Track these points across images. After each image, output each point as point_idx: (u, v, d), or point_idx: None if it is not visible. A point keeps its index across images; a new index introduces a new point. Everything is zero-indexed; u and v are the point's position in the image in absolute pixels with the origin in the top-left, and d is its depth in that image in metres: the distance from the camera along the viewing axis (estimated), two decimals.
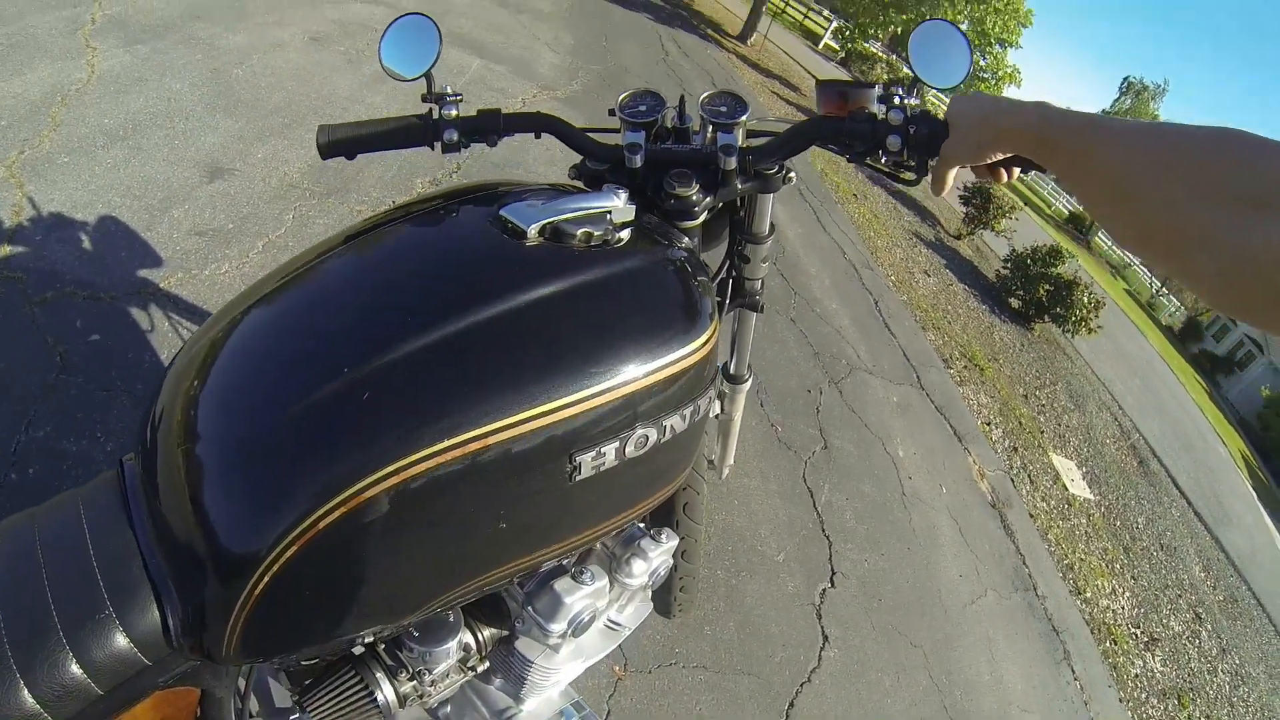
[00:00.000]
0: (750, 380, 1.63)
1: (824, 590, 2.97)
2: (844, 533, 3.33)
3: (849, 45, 19.44)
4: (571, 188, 1.03)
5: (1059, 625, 3.90)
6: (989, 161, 0.84)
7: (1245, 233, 0.50)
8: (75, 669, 0.67)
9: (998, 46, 17.15)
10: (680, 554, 1.70)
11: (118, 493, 0.79)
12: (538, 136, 1.11)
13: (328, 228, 3.23)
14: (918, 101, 0.96)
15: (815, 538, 3.20)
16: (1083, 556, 4.84)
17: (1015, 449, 5.56)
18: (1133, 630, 4.56)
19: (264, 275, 0.87)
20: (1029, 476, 5.32)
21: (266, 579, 0.69)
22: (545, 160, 4.83)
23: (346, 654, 1.02)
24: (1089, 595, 4.47)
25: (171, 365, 0.83)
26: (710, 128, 1.07)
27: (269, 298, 0.83)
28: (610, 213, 0.89)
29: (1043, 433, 6.38)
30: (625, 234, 0.90)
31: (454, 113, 1.05)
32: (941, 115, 0.90)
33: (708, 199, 1.03)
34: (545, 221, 0.85)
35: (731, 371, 1.61)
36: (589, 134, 1.10)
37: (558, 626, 1.03)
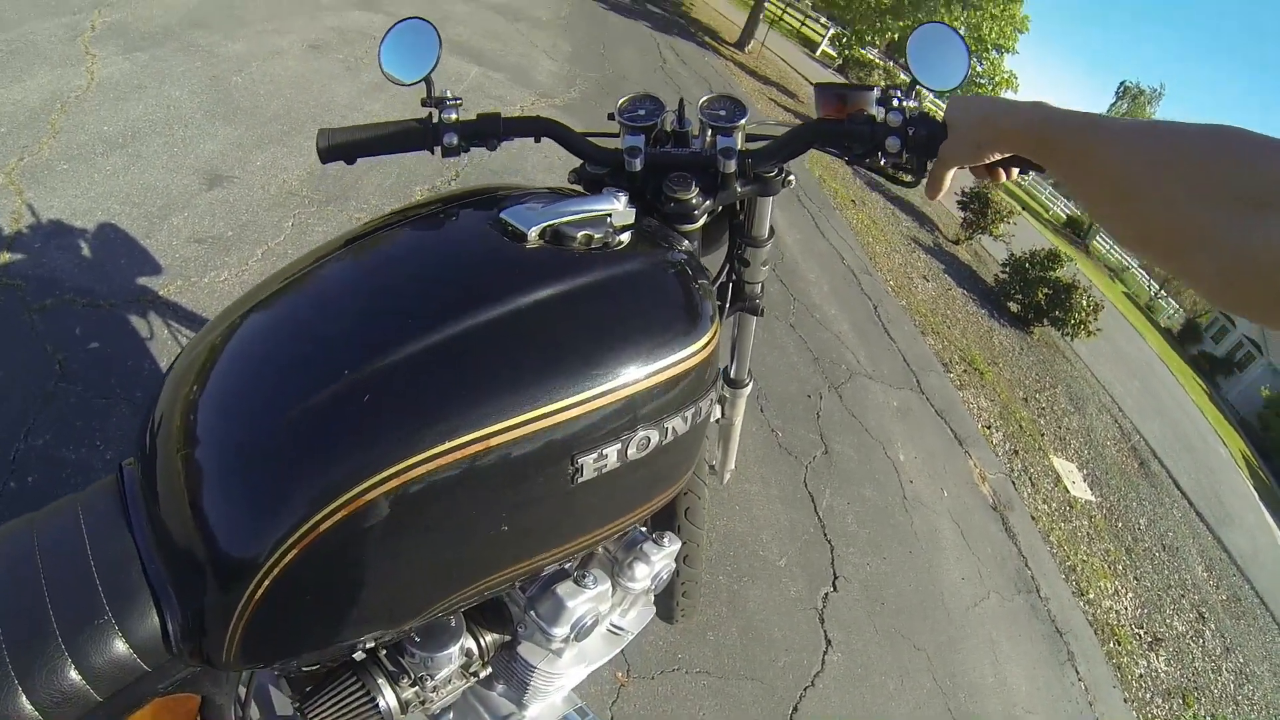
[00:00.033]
0: (751, 384, 1.63)
1: (826, 594, 2.96)
2: (845, 537, 3.33)
3: (846, 52, 19.50)
4: (571, 191, 1.03)
5: (1062, 627, 3.89)
6: (987, 162, 0.83)
7: (1245, 232, 0.50)
8: (74, 675, 0.66)
9: (994, 52, 17.20)
10: (682, 558, 1.69)
11: (117, 498, 0.78)
12: (537, 140, 1.11)
13: (327, 235, 3.22)
14: (916, 104, 0.96)
15: (817, 542, 3.20)
16: (1085, 558, 4.83)
17: (1016, 452, 5.55)
18: (1136, 631, 4.55)
19: (263, 280, 0.86)
20: (1030, 479, 5.31)
21: (267, 583, 0.68)
22: (544, 168, 4.83)
23: (348, 660, 1.01)
24: (1092, 596, 4.46)
25: (170, 370, 0.82)
26: (709, 131, 1.07)
27: (268, 302, 0.82)
28: (610, 216, 0.88)
29: (1043, 435, 6.37)
30: (625, 237, 0.90)
31: (454, 116, 1.04)
32: (940, 118, 0.90)
33: (707, 202, 1.03)
34: (545, 224, 0.85)
35: (732, 376, 1.60)
36: (588, 138, 1.10)
37: (560, 630, 1.02)
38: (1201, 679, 4.61)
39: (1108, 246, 40.03)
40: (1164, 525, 6.77)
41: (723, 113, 1.07)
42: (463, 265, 0.86)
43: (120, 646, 0.69)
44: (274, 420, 0.71)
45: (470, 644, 1.08)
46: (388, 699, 1.00)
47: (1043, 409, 7.02)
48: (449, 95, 1.05)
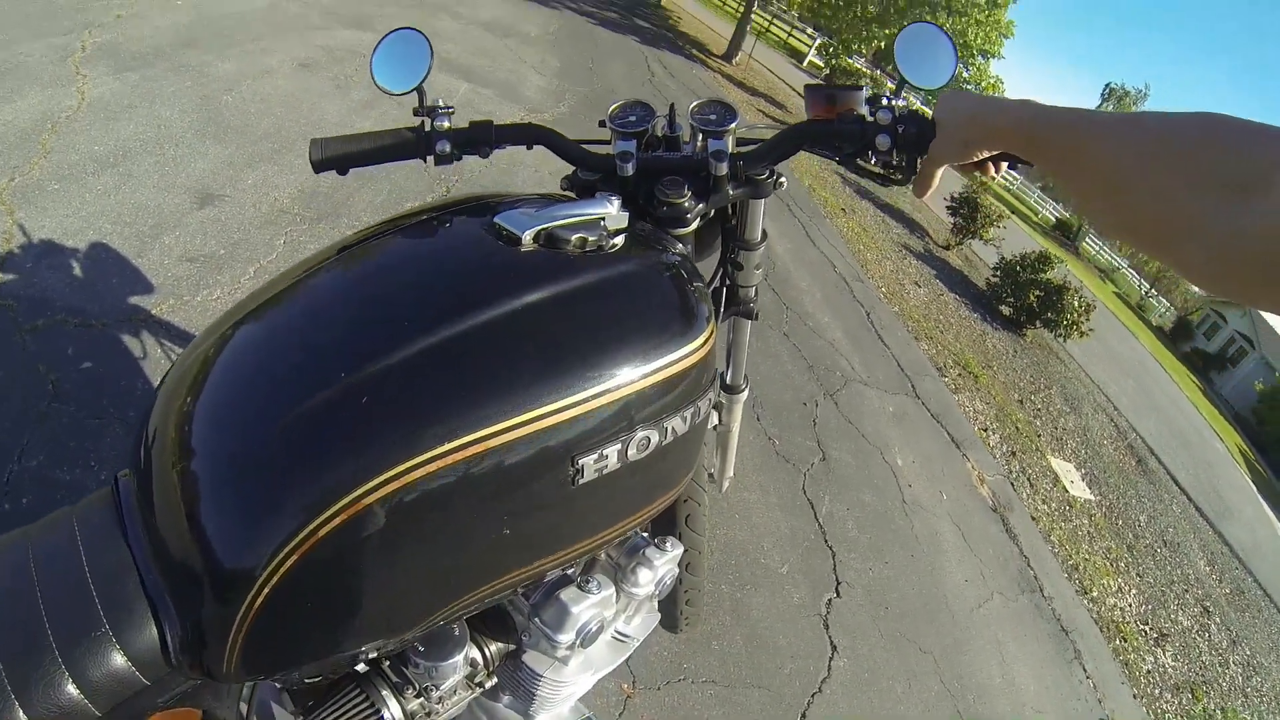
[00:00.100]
0: (747, 390, 1.62)
1: (830, 600, 2.95)
2: (847, 542, 3.32)
3: (833, 61, 19.54)
4: (564, 197, 1.02)
5: (1067, 625, 3.89)
6: (977, 159, 0.84)
7: (1233, 217, 0.51)
8: (72, 689, 0.65)
9: (980, 58, 17.27)
10: (685, 567, 1.69)
11: (113, 510, 0.77)
12: (529, 147, 1.10)
13: None
14: (905, 103, 0.96)
15: (818, 549, 3.19)
16: (1087, 556, 4.83)
17: (1013, 453, 5.56)
18: (1141, 627, 4.54)
19: (255, 289, 0.86)
20: (1028, 480, 5.32)
21: (266, 592, 0.67)
22: (534, 184, 4.83)
23: (350, 672, 1.00)
24: (1095, 594, 4.46)
25: (164, 381, 0.82)
26: (700, 136, 1.07)
27: (260, 310, 0.82)
28: (604, 220, 0.88)
29: (1040, 436, 6.38)
30: (619, 240, 0.90)
31: (446, 124, 1.04)
32: (929, 116, 0.90)
33: (700, 205, 1.02)
34: (540, 228, 0.84)
35: (728, 381, 1.59)
36: (580, 145, 1.10)
37: (566, 637, 1.01)
38: (1209, 673, 4.61)
39: (1098, 248, 40.22)
40: (1164, 521, 6.77)
41: (713, 117, 1.07)
42: (457, 269, 0.86)
43: (118, 660, 0.67)
44: (268, 427, 0.70)
45: (475, 654, 1.07)
46: (393, 710, 0.99)
47: (1038, 410, 7.03)
48: (441, 104, 1.05)
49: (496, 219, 0.85)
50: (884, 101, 0.95)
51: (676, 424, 0.86)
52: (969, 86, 17.92)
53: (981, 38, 16.22)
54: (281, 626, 0.72)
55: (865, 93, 1.00)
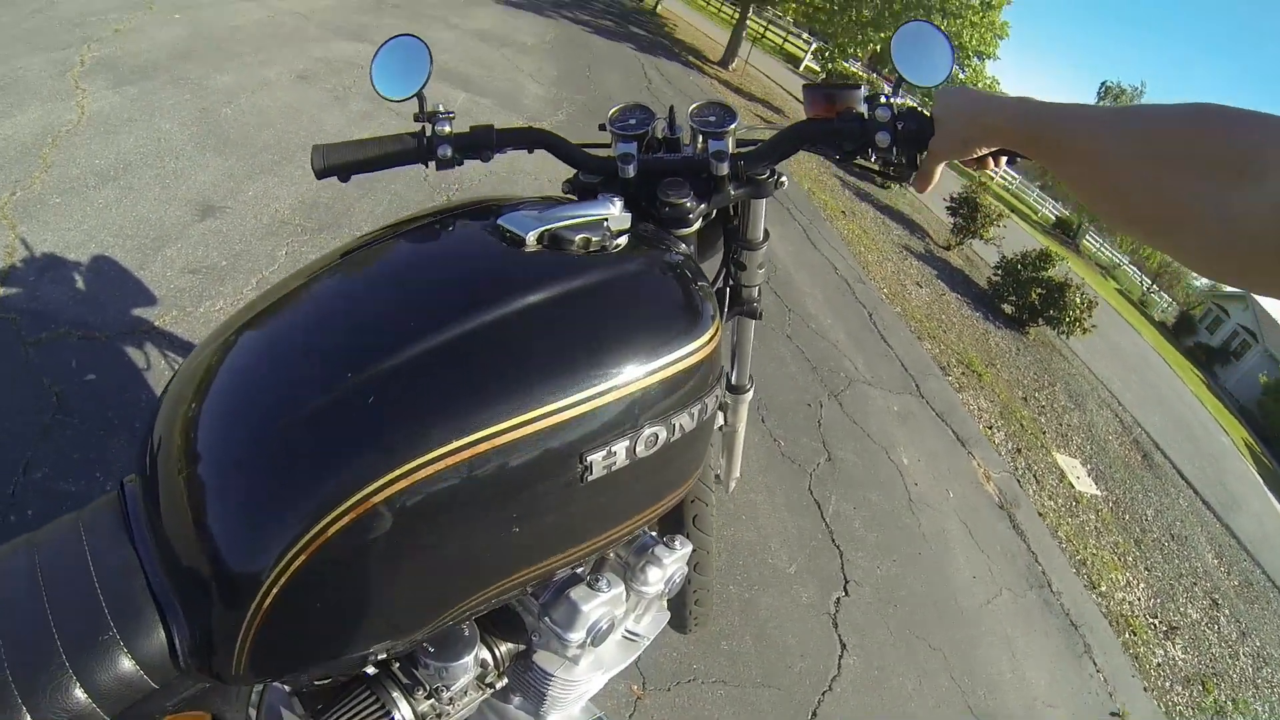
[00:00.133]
0: (752, 390, 1.62)
1: (838, 599, 2.94)
2: (854, 541, 3.31)
3: (829, 66, 19.55)
4: (566, 200, 1.03)
5: (1077, 620, 3.88)
6: (976, 155, 0.85)
7: (1226, 203, 0.51)
8: (80, 694, 0.64)
9: (976, 59, 17.28)
10: (693, 566, 1.68)
11: (119, 514, 0.77)
12: (530, 151, 1.10)
13: None
14: (903, 100, 0.97)
15: (826, 548, 3.18)
16: (1094, 551, 4.82)
17: (1019, 450, 5.55)
18: (1151, 620, 4.53)
19: (261, 293, 0.86)
20: (1034, 476, 5.31)
21: (275, 593, 0.67)
22: (533, 191, 4.84)
23: (360, 674, 1.00)
24: (1104, 589, 4.45)
25: (169, 385, 0.81)
26: (700, 137, 1.07)
27: (266, 314, 0.82)
28: (606, 220, 0.88)
29: (1045, 433, 6.37)
30: (622, 241, 0.90)
31: (447, 129, 1.04)
32: (927, 113, 0.90)
33: (702, 206, 1.02)
34: (543, 229, 0.84)
35: (733, 381, 1.59)
36: (581, 149, 1.10)
37: (576, 636, 1.00)
38: (1219, 665, 4.58)
39: (1098, 245, 40.22)
40: (1171, 515, 6.76)
41: (713, 118, 1.07)
42: (462, 271, 0.86)
43: (126, 664, 0.67)
44: (275, 428, 0.70)
45: (485, 654, 1.06)
46: (403, 712, 0.99)
47: (1043, 407, 7.03)
48: (441, 109, 1.05)
49: (500, 221, 0.85)
50: (882, 99, 0.96)
51: (684, 421, 0.86)
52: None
53: (976, 39, 16.24)
54: (290, 628, 0.71)
55: (863, 91, 1.01)
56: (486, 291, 0.79)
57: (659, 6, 22.44)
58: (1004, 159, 0.87)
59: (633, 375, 0.79)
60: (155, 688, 0.70)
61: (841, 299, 6.32)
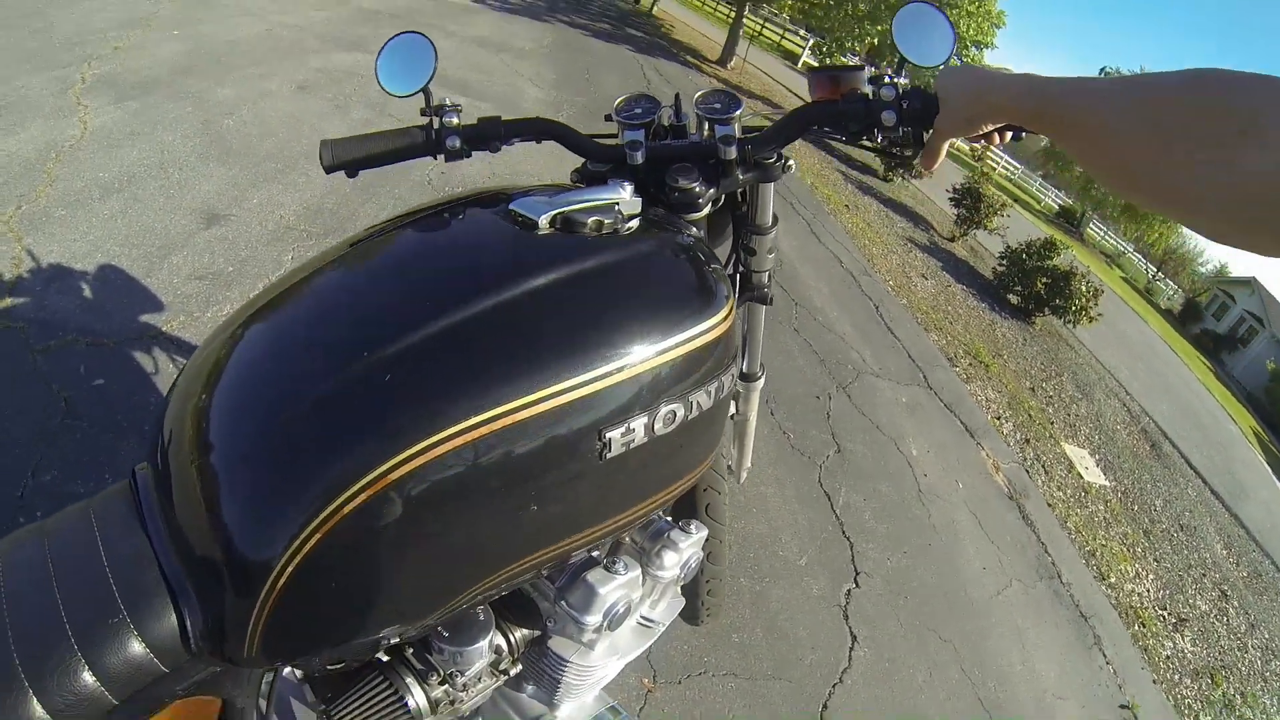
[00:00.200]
0: (763, 377, 1.62)
1: (849, 591, 2.94)
2: (864, 533, 3.31)
3: (827, 60, 19.54)
4: (575, 187, 1.03)
5: (1086, 611, 3.86)
6: (981, 131, 0.85)
7: (1229, 167, 0.52)
8: (88, 677, 0.64)
9: (973, 49, 17.25)
10: (706, 556, 1.68)
11: (130, 502, 0.77)
12: (538, 142, 1.11)
13: None
14: (907, 80, 0.97)
15: (836, 540, 3.18)
16: (1104, 542, 4.81)
17: (1027, 441, 5.53)
18: (1160, 612, 4.51)
19: (273, 282, 0.86)
20: (1043, 467, 5.29)
21: (289, 573, 0.67)
22: None
23: (373, 660, 1.00)
24: (1113, 580, 4.43)
25: (181, 373, 0.82)
26: (706, 125, 1.08)
27: (278, 300, 0.82)
28: (618, 204, 0.89)
29: (1053, 423, 6.36)
30: (634, 224, 0.91)
31: (455, 120, 1.05)
32: (931, 92, 0.91)
33: (711, 190, 1.03)
34: (555, 212, 0.85)
35: (744, 369, 1.59)
36: (589, 138, 1.11)
37: (593, 619, 1.01)
38: (1229, 657, 4.56)
39: (1103, 233, 40.08)
40: (1180, 505, 6.73)
41: (718, 106, 1.08)
42: (475, 253, 0.86)
43: (137, 647, 0.67)
44: (288, 409, 0.71)
45: (500, 640, 1.07)
46: (417, 698, 0.99)
47: (1050, 397, 7.01)
48: (448, 102, 1.06)
49: (512, 206, 0.86)
50: (886, 79, 0.96)
51: (701, 398, 0.87)
52: None
53: (974, 28, 16.22)
54: (304, 609, 0.72)
55: (867, 73, 1.01)
56: (500, 272, 0.79)
57: (655, 8, 22.46)
58: (1008, 134, 0.88)
59: (650, 352, 0.80)
60: (165, 671, 0.70)
61: (847, 292, 6.32)
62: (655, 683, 2.14)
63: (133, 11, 5.23)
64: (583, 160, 1.11)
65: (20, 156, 3.13)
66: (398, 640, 0.87)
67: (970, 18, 15.94)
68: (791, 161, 1.12)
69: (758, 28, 25.78)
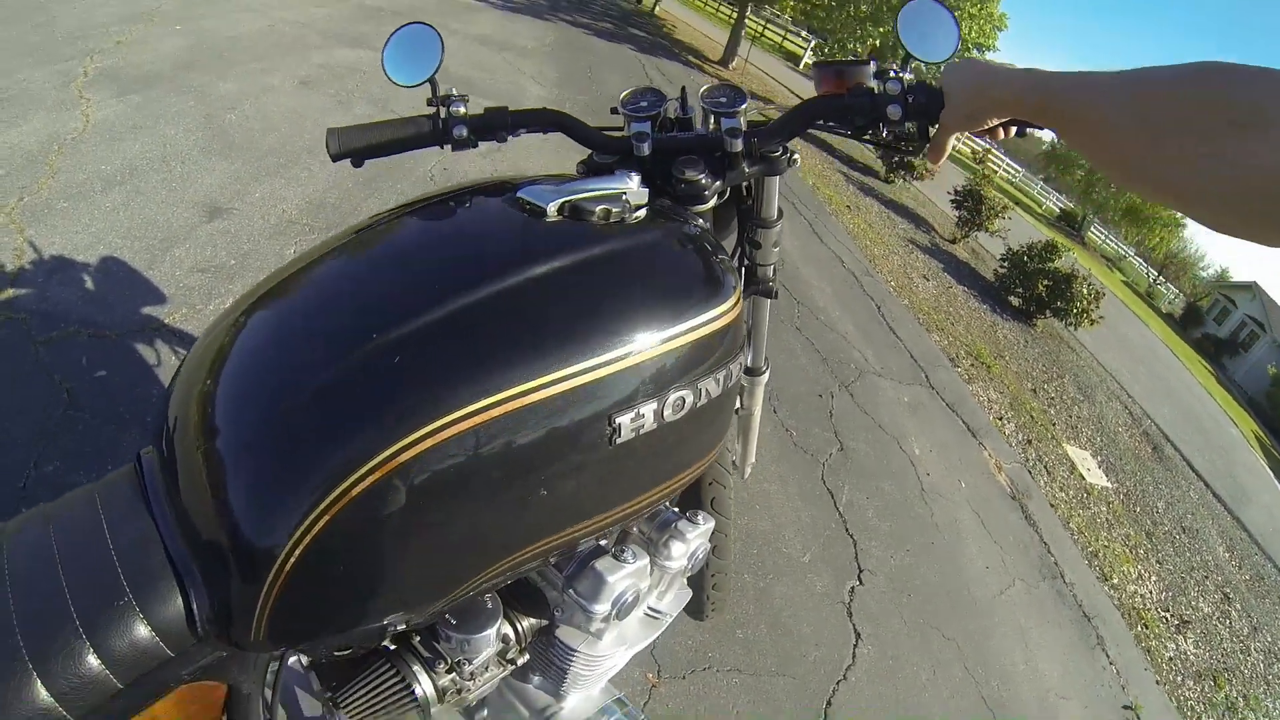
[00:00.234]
0: (768, 372, 1.62)
1: (853, 588, 2.93)
2: (867, 531, 3.30)
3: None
4: (582, 177, 1.03)
5: (1089, 612, 3.86)
6: (987, 126, 0.85)
7: (1231, 159, 0.52)
8: (93, 660, 0.64)
9: (976, 51, 17.24)
10: (711, 550, 1.68)
11: (135, 485, 0.76)
12: (545, 132, 1.10)
13: None
14: (911, 76, 0.97)
15: (839, 537, 3.17)
16: (1106, 543, 4.80)
17: (1029, 442, 5.53)
18: (1162, 614, 4.50)
19: (279, 267, 0.86)
20: (1045, 468, 5.29)
21: (296, 556, 0.66)
22: None
23: (380, 648, 0.99)
24: (1116, 581, 4.42)
25: (188, 356, 0.81)
26: (712, 118, 1.09)
27: (282, 286, 0.81)
28: (625, 194, 0.89)
29: (1054, 425, 6.35)
30: (641, 214, 0.91)
31: (462, 110, 1.04)
32: (937, 86, 0.92)
33: (717, 183, 1.03)
34: (564, 200, 0.85)
35: (749, 364, 1.59)
36: (596, 130, 1.10)
37: (601, 608, 1.00)
38: (1231, 660, 4.55)
39: (1104, 237, 40.12)
40: (1182, 508, 6.73)
41: (723, 100, 1.09)
42: (484, 239, 0.86)
43: (142, 630, 0.66)
44: (296, 392, 0.70)
45: (507, 629, 1.06)
46: (424, 686, 0.98)
47: (1052, 399, 7.00)
48: (454, 92, 1.05)
49: (520, 193, 0.86)
50: (892, 73, 0.96)
51: (710, 386, 0.87)
52: None
53: (975, 31, 16.22)
54: (311, 593, 0.71)
55: (873, 67, 1.01)
56: (509, 258, 0.79)
57: (657, 8, 22.45)
58: (1014, 129, 0.88)
59: (658, 338, 0.79)
60: (171, 655, 0.69)
61: (849, 292, 6.32)
62: (659, 677, 2.14)
63: (135, 7, 5.23)
64: (589, 152, 1.10)
65: (22, 149, 3.12)
66: (405, 627, 0.86)
67: (972, 20, 15.93)
68: (796, 155, 1.12)
69: (759, 29, 25.82)
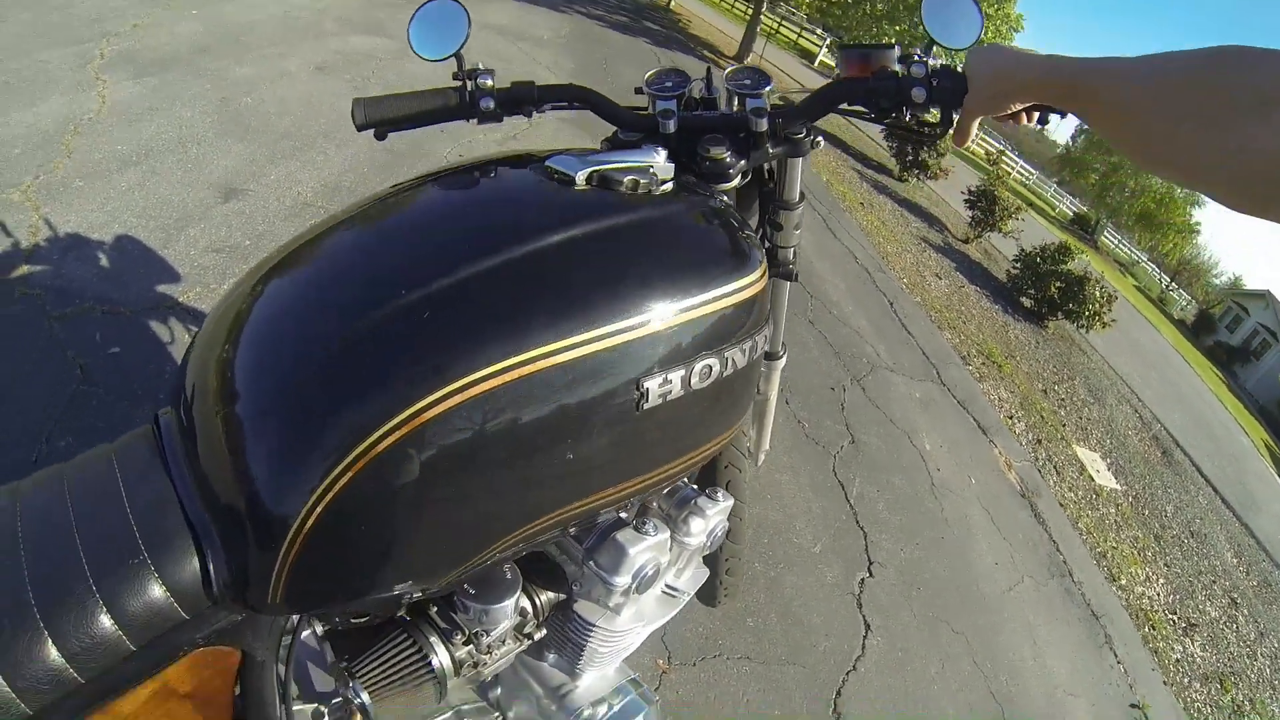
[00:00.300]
0: (785, 357, 1.62)
1: (863, 580, 2.93)
2: (878, 524, 3.30)
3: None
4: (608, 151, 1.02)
5: (1098, 611, 3.85)
6: (1010, 110, 0.86)
7: (1252, 139, 0.52)
8: (106, 621, 0.63)
9: None
10: (726, 534, 1.68)
11: (153, 446, 0.75)
12: (571, 107, 1.10)
13: None
14: (935, 61, 0.97)
15: (850, 529, 3.17)
16: (1114, 544, 4.79)
17: (1039, 441, 5.51)
18: (1170, 616, 4.49)
19: (300, 232, 0.85)
20: (1055, 468, 5.27)
21: (316, 517, 0.65)
22: None
23: (396, 618, 0.99)
24: (1124, 582, 4.41)
25: (208, 319, 0.81)
26: (736, 99, 1.08)
27: (306, 247, 0.81)
28: (652, 167, 0.89)
29: (1064, 426, 6.33)
30: (668, 187, 0.91)
31: (489, 82, 1.04)
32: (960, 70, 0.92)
33: (741, 162, 1.03)
34: (592, 169, 0.85)
35: (766, 348, 1.58)
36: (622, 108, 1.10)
37: (621, 580, 0.99)
38: (1238, 664, 4.54)
39: (1116, 241, 39.94)
40: (1190, 512, 6.70)
41: (748, 82, 1.08)
42: (514, 203, 0.86)
43: (157, 591, 0.65)
44: (318, 351, 0.69)
45: (525, 603, 1.06)
46: (441, 657, 0.97)
47: (1062, 400, 6.98)
48: (480, 65, 1.04)
49: (549, 162, 0.86)
50: (916, 57, 0.97)
51: (736, 356, 0.87)
52: None
53: (992, 31, 16.14)
54: (329, 555, 0.70)
55: (897, 51, 1.02)
56: (538, 222, 0.79)
57: (672, 3, 22.39)
58: (1036, 115, 0.88)
59: (686, 305, 0.79)
60: (185, 618, 0.68)
61: (862, 287, 6.31)
62: (670, 664, 2.13)
63: None
64: (613, 130, 1.10)
65: (39, 129, 3.12)
66: (424, 593, 0.85)
67: (990, 20, 15.86)
68: (820, 137, 1.12)
69: (774, 26, 25.76)
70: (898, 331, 5.78)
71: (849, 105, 1.04)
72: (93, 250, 2.58)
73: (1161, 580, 4.88)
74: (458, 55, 1.04)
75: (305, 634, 1.01)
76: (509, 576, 0.99)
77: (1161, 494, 6.59)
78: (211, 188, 3.24)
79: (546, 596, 1.08)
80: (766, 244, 1.31)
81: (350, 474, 0.65)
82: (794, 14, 26.36)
